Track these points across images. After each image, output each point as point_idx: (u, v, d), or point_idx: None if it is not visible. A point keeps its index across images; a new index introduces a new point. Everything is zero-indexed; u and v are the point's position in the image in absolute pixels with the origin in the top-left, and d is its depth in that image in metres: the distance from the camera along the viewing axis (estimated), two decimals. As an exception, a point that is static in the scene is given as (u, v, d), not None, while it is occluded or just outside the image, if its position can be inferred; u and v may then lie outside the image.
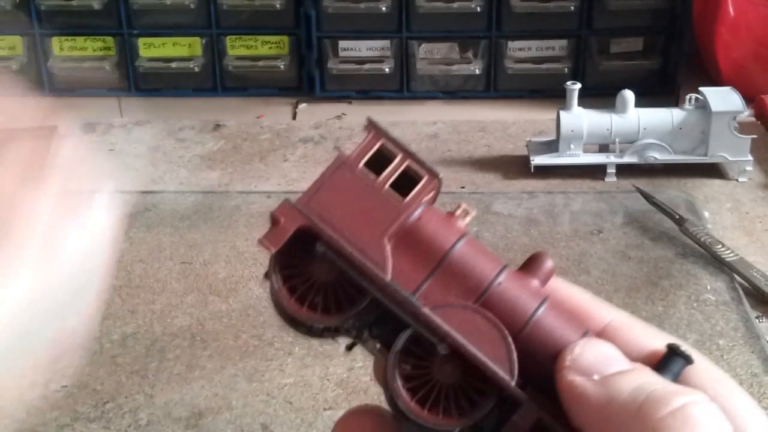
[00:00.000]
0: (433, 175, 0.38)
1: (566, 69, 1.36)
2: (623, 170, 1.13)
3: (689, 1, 1.32)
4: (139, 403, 0.80)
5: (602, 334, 0.37)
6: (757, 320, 0.89)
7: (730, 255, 0.96)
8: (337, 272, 0.37)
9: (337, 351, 0.83)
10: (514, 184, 1.13)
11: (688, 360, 0.36)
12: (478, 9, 1.33)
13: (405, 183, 0.38)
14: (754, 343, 0.86)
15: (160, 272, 0.97)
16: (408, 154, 0.38)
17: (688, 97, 1.13)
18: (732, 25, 1.33)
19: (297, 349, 0.85)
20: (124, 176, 1.16)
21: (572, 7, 1.33)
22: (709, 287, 0.93)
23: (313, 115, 1.35)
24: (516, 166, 1.17)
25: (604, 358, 0.35)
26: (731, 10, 1.33)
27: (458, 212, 0.39)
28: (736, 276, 0.95)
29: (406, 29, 1.35)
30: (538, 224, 1.04)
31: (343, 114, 1.35)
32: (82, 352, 0.86)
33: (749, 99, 1.18)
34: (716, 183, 1.13)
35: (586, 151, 1.14)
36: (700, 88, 1.14)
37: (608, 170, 1.13)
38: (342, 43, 1.36)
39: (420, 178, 0.38)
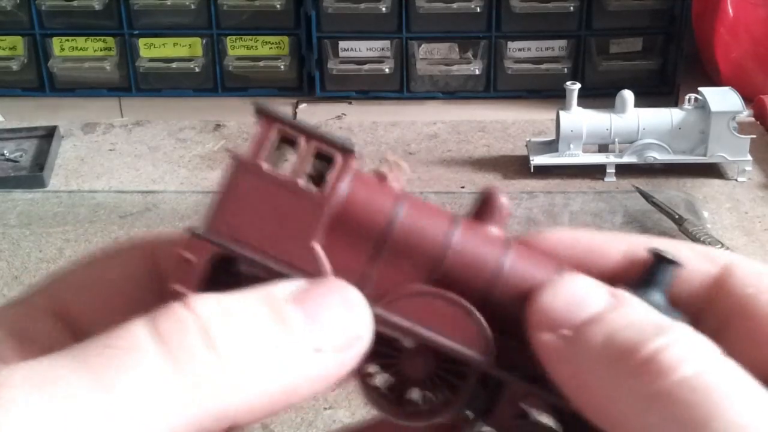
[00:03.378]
0: (346, 150, 0.32)
1: (566, 69, 1.36)
2: (623, 170, 1.14)
3: (688, 1, 1.32)
4: (140, 402, 0.80)
5: (618, 266, 0.33)
6: (756, 320, 0.90)
7: (730, 255, 0.96)
8: None
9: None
10: (513, 184, 1.14)
11: (676, 264, 0.33)
12: (478, 9, 1.34)
13: (321, 165, 0.33)
14: (753, 343, 0.86)
15: (161, 272, 0.97)
16: (310, 134, 0.33)
17: (687, 97, 1.14)
18: (731, 26, 1.33)
19: (297, 348, 0.85)
20: (124, 176, 1.17)
21: (572, 8, 1.34)
22: (708, 287, 0.94)
23: (314, 115, 1.35)
24: (516, 166, 1.17)
25: (574, 302, 0.31)
26: (730, 10, 1.33)
27: (386, 170, 0.34)
28: (735, 276, 0.95)
29: (406, 29, 1.35)
30: (538, 224, 1.05)
31: (343, 114, 1.35)
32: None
33: (748, 99, 1.18)
34: (715, 183, 1.13)
35: (585, 151, 1.15)
36: (700, 88, 1.14)
37: (608, 170, 1.14)
38: (342, 44, 1.37)
39: (332, 160, 0.32)
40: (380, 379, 0.34)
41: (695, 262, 0.33)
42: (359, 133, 1.26)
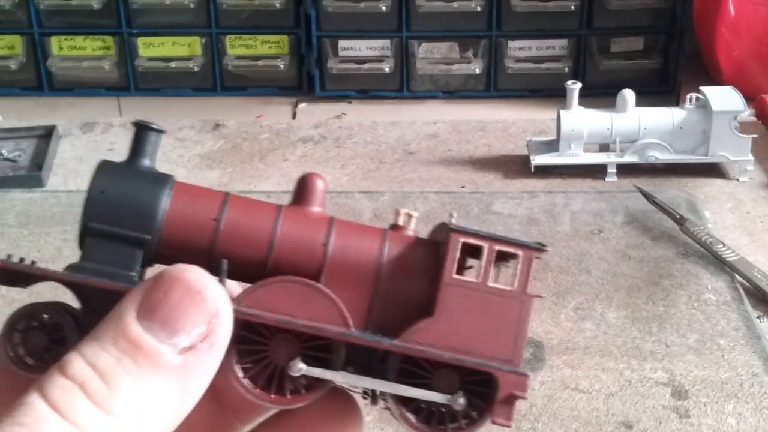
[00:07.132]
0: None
1: (566, 68, 1.35)
2: (624, 170, 1.13)
3: (690, 0, 1.32)
4: (138, 403, 0.80)
5: None
6: (758, 320, 0.89)
7: (731, 254, 0.96)
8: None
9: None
10: (514, 183, 1.13)
11: (159, 131, 0.37)
12: (478, 8, 1.33)
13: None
14: (755, 343, 0.85)
15: (160, 272, 0.97)
16: (493, 240, 0.37)
17: (688, 96, 1.13)
18: (732, 25, 1.33)
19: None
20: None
21: (572, 7, 1.33)
22: (710, 287, 0.93)
23: (313, 114, 1.35)
24: (516, 166, 1.17)
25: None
26: (732, 9, 1.32)
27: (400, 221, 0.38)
28: (737, 276, 0.95)
29: (406, 29, 1.35)
30: (539, 224, 1.04)
31: (342, 113, 1.35)
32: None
33: (750, 98, 1.18)
34: (717, 182, 1.13)
35: (586, 150, 1.14)
36: (701, 88, 1.14)
37: (609, 170, 1.13)
38: (342, 43, 1.36)
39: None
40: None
41: None
42: (359, 132, 1.26)
